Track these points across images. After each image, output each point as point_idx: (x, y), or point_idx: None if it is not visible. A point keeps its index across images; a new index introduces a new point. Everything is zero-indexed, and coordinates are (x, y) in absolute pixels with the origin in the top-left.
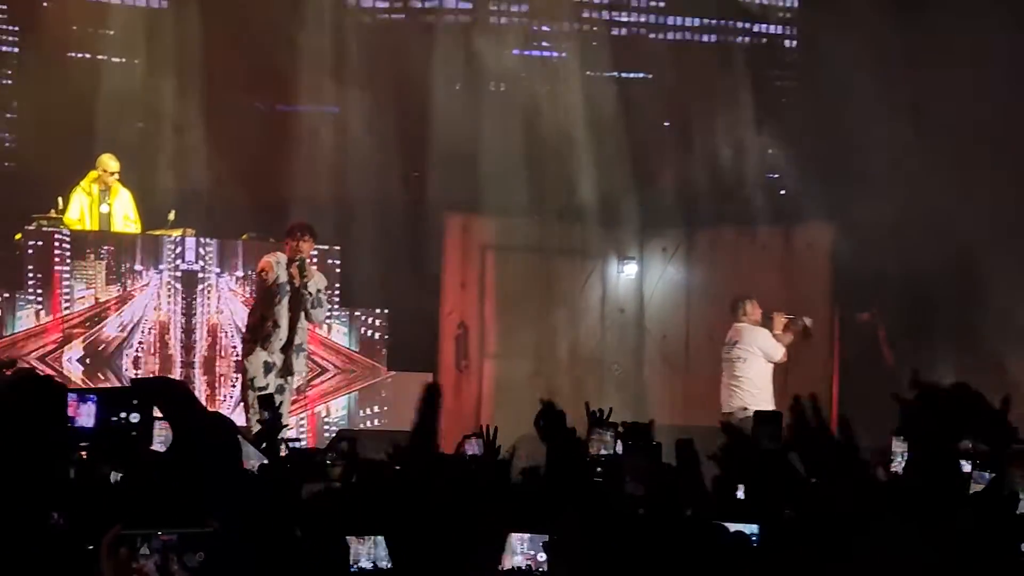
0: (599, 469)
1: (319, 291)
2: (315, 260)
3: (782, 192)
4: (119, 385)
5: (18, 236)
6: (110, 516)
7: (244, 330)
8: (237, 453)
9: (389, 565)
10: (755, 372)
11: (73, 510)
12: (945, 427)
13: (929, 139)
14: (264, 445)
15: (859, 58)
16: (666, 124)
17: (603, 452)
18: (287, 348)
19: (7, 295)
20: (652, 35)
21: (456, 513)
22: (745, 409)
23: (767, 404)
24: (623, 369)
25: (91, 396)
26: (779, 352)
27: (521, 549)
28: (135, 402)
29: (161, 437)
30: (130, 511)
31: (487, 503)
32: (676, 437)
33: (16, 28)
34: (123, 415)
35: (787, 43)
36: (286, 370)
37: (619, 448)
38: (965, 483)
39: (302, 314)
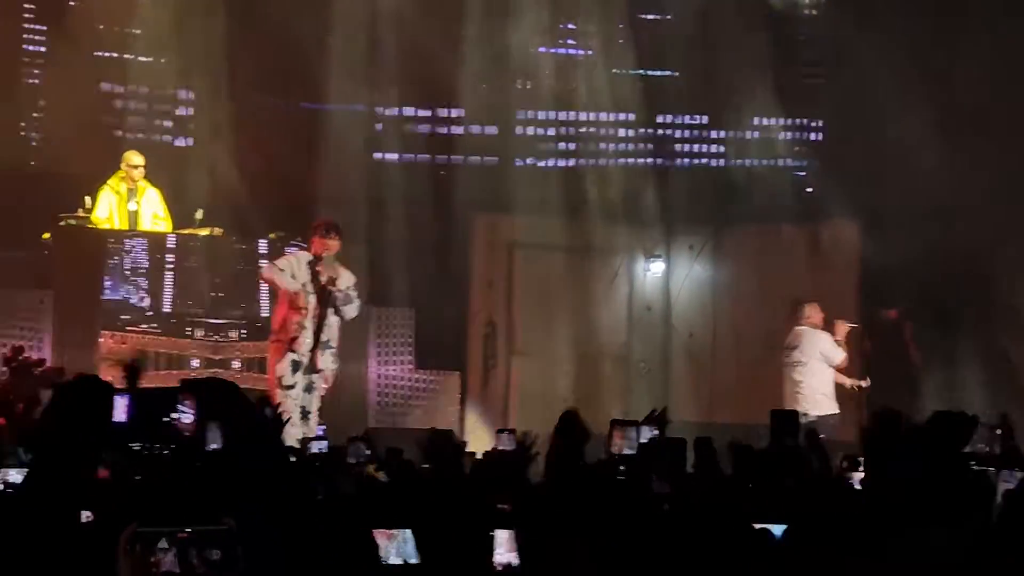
0: (622, 468)
1: (348, 288)
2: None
3: (808, 189)
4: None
5: (46, 235)
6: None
7: (271, 332)
8: (283, 452)
9: (417, 560)
10: (814, 376)
11: (104, 508)
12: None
13: (957, 134)
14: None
15: (886, 54)
16: (692, 120)
17: (626, 451)
18: (314, 346)
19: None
20: (677, 31)
21: (482, 508)
22: (805, 415)
23: (827, 409)
24: (650, 367)
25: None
26: (838, 357)
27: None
28: (186, 402)
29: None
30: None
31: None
32: (702, 434)
33: (43, 27)
34: (174, 414)
35: (813, 39)
36: (312, 368)
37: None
38: (985, 484)
39: (330, 311)
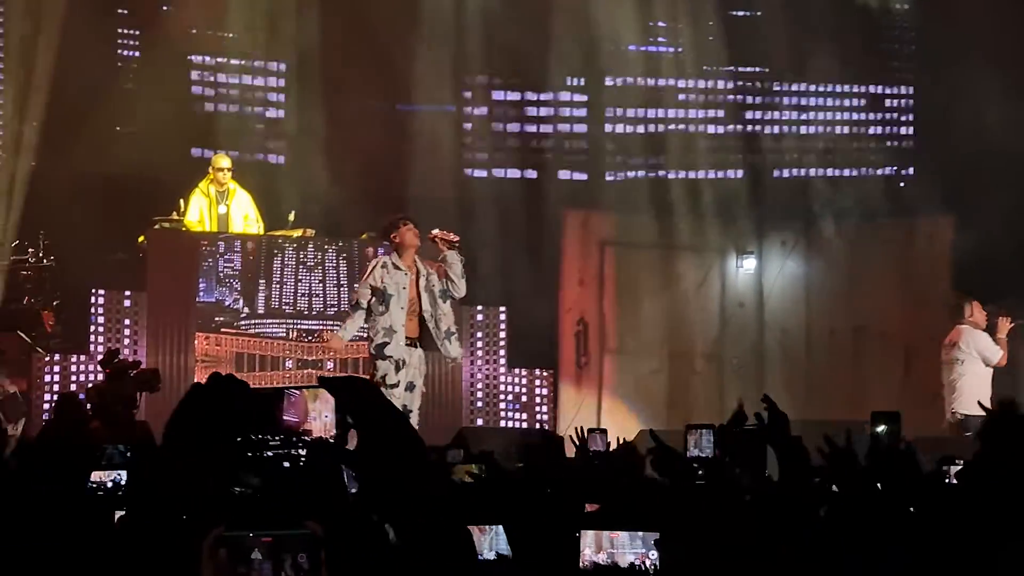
0: (700, 471)
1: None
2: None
3: (902, 184)
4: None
5: (141, 239)
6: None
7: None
8: (422, 454)
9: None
10: (972, 374)
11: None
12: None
13: None
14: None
15: (979, 46)
16: (782, 116)
17: (700, 454)
18: (432, 340)
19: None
20: (767, 27)
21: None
22: (954, 414)
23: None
24: (742, 363)
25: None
26: (997, 355)
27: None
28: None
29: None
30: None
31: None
32: (795, 432)
33: (137, 32)
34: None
35: (903, 31)
36: (416, 366)
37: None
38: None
39: (438, 302)
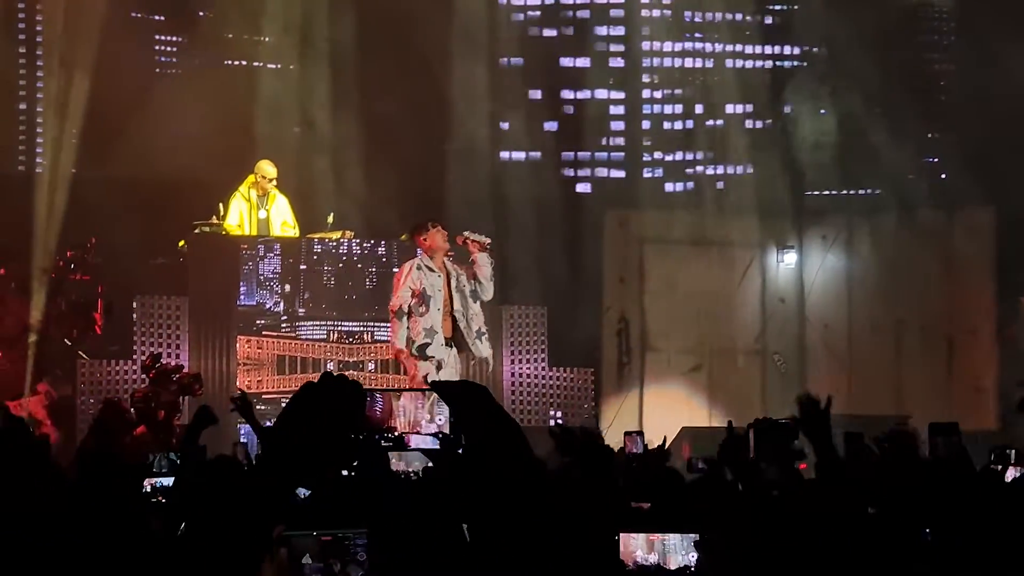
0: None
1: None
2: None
3: (942, 176)
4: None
5: (182, 243)
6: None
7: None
8: (532, 459)
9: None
10: None
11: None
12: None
13: None
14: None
15: (1016, 37)
16: (822, 112)
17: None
18: (464, 340)
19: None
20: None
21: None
22: None
23: None
24: (784, 359)
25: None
26: None
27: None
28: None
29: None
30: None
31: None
32: (840, 427)
33: (175, 38)
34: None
35: (944, 23)
36: (453, 365)
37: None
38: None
39: (468, 302)
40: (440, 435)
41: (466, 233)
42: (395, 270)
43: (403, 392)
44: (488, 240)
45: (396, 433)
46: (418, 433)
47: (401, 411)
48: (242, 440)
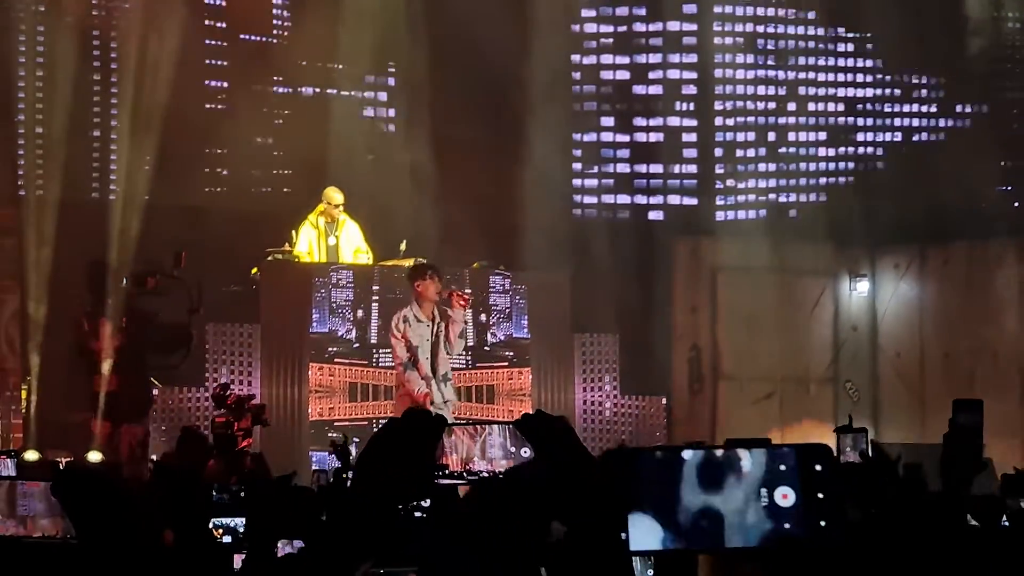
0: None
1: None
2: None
3: (1016, 204)
4: None
5: (254, 271)
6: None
7: None
8: (609, 495)
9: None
10: None
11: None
12: None
13: None
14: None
15: None
16: (893, 138)
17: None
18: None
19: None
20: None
21: None
22: None
23: None
24: (857, 387)
25: None
26: None
27: None
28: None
29: None
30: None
31: None
32: (913, 456)
33: (247, 66)
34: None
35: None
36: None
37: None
38: None
39: (440, 349)
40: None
41: (453, 287)
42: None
43: (493, 424)
44: (470, 297)
45: (448, 470)
46: (469, 471)
47: (452, 448)
48: (315, 467)
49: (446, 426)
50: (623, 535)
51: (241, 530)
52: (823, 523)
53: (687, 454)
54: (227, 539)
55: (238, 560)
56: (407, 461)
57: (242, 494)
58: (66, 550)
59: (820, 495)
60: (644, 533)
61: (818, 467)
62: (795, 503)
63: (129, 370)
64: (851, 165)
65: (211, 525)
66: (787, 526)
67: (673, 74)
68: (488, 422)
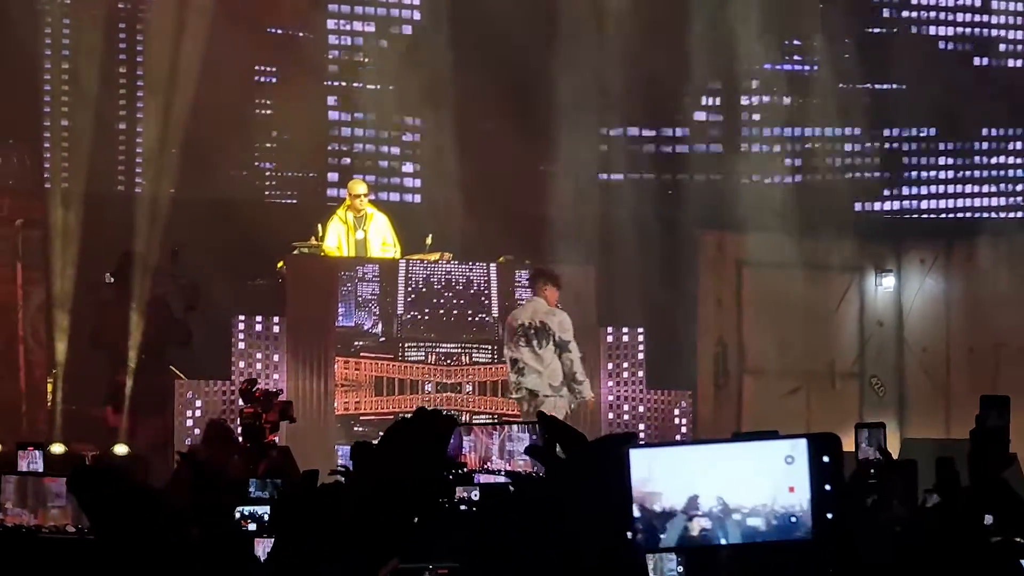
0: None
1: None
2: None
3: None
4: None
5: (280, 264)
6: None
7: None
8: (629, 501)
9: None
10: None
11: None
12: None
13: None
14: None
15: None
16: (922, 133)
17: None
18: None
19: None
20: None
21: None
22: None
23: None
24: (883, 383)
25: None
26: None
27: None
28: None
29: None
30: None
31: None
32: (939, 451)
33: (274, 60)
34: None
35: None
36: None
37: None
38: None
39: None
40: (509, 473)
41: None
42: (494, 292)
43: (513, 423)
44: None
45: (465, 469)
46: (487, 470)
47: (470, 446)
48: (340, 462)
49: (456, 427)
50: (628, 535)
51: (266, 518)
52: (830, 515)
53: (699, 447)
54: (252, 526)
55: (259, 547)
56: (416, 463)
57: (269, 489)
58: (84, 545)
59: (827, 487)
60: (657, 530)
61: (826, 459)
62: (805, 494)
63: (152, 362)
64: (876, 160)
65: (237, 515)
66: (793, 520)
67: (700, 67)
68: (524, 422)
